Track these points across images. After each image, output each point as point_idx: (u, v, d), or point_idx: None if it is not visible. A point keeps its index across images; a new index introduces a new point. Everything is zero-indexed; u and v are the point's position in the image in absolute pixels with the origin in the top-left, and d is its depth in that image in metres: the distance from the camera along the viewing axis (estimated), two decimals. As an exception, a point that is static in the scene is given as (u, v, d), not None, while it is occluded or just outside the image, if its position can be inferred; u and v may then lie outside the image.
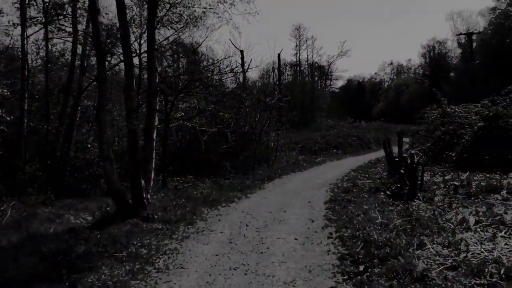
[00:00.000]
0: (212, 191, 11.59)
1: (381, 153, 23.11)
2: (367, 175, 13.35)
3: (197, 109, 14.82)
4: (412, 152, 9.68)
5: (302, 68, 69.40)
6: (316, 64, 70.44)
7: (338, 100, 69.87)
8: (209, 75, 14.82)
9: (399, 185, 8.75)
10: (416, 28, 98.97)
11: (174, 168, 14.77)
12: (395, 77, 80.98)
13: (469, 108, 13.65)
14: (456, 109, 13.78)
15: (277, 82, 36.00)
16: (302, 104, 39.80)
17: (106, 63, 10.90)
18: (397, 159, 10.82)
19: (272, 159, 17.67)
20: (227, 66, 16.28)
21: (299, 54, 67.72)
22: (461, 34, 44.37)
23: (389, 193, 8.91)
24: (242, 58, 35.28)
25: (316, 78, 71.90)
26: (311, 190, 11.55)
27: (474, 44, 53.13)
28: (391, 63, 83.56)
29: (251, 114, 16.87)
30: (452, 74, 57.44)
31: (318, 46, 63.22)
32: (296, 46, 67.61)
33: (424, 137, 21.38)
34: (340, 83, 77.91)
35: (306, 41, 67.87)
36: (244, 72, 30.98)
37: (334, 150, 23.45)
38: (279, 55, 36.28)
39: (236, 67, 12.43)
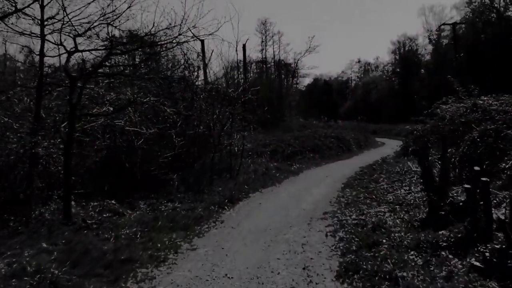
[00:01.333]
0: (138, 232, 7.00)
1: (366, 158, 19.43)
2: (373, 196, 9.26)
3: (131, 102, 10.13)
4: (476, 169, 5.47)
5: (268, 66, 65.61)
6: (283, 62, 66.91)
7: (304, 99, 67.03)
8: (147, 49, 10.05)
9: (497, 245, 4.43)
10: (386, 25, 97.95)
11: (95, 186, 10.02)
12: (362, 76, 78.97)
13: (505, 100, 10.05)
14: (492, 102, 10.15)
15: (243, 76, 31.81)
16: (270, 102, 35.73)
17: None
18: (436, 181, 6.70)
19: (236, 169, 13.23)
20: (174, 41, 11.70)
21: (265, 51, 63.75)
22: (444, 24, 41.74)
23: (477, 263, 4.23)
24: (203, 49, 30.66)
25: (283, 76, 68.42)
26: (297, 227, 7.20)
27: (445, 41, 51.36)
28: (359, 61, 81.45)
29: (208, 109, 12.36)
30: (422, 70, 55.47)
31: (285, 42, 59.25)
32: (262, 42, 63.44)
33: (420, 138, 17.79)
34: (307, 81, 74.93)
35: (273, 36, 63.91)
36: (204, 64, 26.43)
37: (311, 154, 19.33)
38: (244, 45, 31.93)
39: (181, 34, 7.97)
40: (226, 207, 9.26)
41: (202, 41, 29.10)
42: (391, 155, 19.18)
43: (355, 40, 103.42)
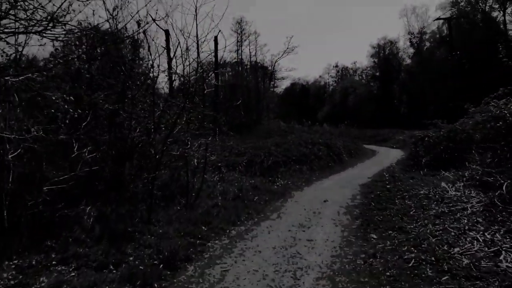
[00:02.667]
0: None
1: (365, 170, 15.03)
2: (432, 258, 4.95)
3: None
4: None
5: (245, 67, 61.50)
6: (260, 64, 62.99)
7: (283, 103, 63.61)
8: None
9: None
10: (367, 30, 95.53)
11: None
12: (340, 80, 76.12)
13: None
14: None
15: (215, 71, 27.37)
16: (246, 104, 31.46)
17: None
18: None
19: (192, 196, 8.70)
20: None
21: (241, 51, 59.57)
22: (439, 19, 38.63)
23: None
24: (167, 40, 26.00)
25: (259, 78, 64.46)
26: None
27: (427, 44, 48.64)
28: (336, 66, 78.71)
29: (143, 103, 7.79)
30: (403, 74, 52.59)
31: (262, 42, 55.37)
32: (238, 42, 59.30)
33: (435, 146, 13.83)
34: (286, 83, 71.61)
35: (249, 36, 59.85)
36: (169, 57, 21.79)
37: (297, 166, 15.02)
38: (216, 38, 27.45)
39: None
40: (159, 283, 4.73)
41: (166, 31, 24.47)
42: (395, 167, 15.16)
43: (333, 45, 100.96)
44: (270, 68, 61.24)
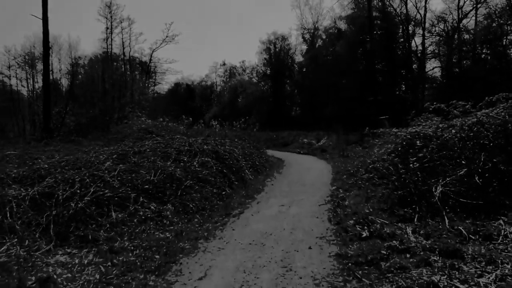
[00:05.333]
0: None
1: (293, 208, 6.84)
2: None
3: None
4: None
5: (121, 59, 50.31)
6: (139, 59, 52.53)
7: (167, 104, 54.76)
8: None
9: None
10: (261, 24, 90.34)
11: None
12: (228, 79, 69.73)
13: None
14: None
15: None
16: (93, 100, 22.04)
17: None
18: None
19: None
20: None
21: (111, 39, 48.11)
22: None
23: None
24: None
25: (137, 73, 53.86)
26: None
27: (320, 41, 44.73)
28: (224, 64, 72.12)
29: None
30: (295, 73, 47.97)
31: (137, 31, 45.24)
32: (107, 28, 47.70)
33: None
34: (170, 80, 62.89)
35: (121, 22, 49.03)
36: None
37: (150, 206, 6.57)
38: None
39: None
40: None
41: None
42: (357, 204, 7.74)
43: (223, 42, 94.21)
44: (145, 59, 51.45)
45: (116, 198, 6.61)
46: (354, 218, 6.02)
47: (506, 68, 22.66)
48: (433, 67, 30.57)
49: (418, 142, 7.14)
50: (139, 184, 6.99)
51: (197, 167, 8.56)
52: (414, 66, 30.21)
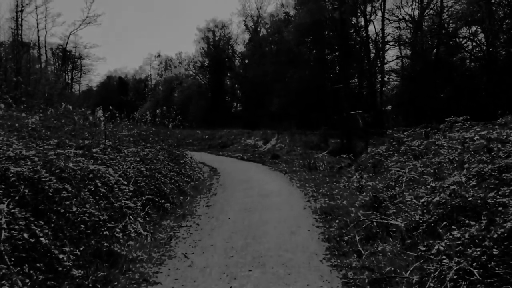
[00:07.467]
0: None
1: None
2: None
3: None
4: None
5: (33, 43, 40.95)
6: (54, 46, 43.44)
7: (96, 98, 49.31)
8: None
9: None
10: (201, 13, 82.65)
11: None
12: (163, 72, 62.26)
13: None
14: None
15: None
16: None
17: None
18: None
19: None
20: None
21: (21, 18, 38.71)
22: None
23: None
24: None
25: (57, 59, 44.90)
26: None
27: (263, 30, 39.53)
28: (159, 56, 64.25)
29: None
30: (236, 64, 42.38)
31: (55, 12, 36.88)
32: (17, 6, 38.25)
33: None
34: (104, 71, 54.74)
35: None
36: None
37: None
38: None
39: None
40: None
41: None
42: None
43: (158, 31, 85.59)
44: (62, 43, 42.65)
45: None
46: None
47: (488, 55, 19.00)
48: (396, 56, 26.76)
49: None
50: None
51: None
52: (372, 54, 26.06)
